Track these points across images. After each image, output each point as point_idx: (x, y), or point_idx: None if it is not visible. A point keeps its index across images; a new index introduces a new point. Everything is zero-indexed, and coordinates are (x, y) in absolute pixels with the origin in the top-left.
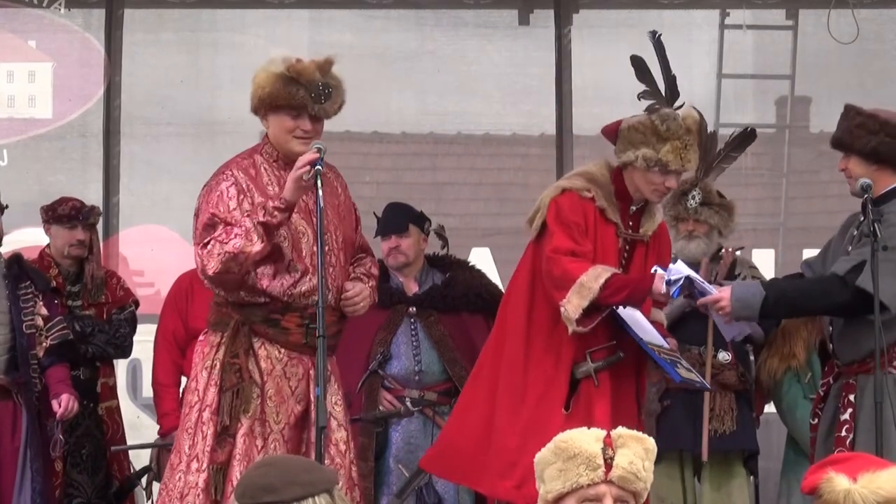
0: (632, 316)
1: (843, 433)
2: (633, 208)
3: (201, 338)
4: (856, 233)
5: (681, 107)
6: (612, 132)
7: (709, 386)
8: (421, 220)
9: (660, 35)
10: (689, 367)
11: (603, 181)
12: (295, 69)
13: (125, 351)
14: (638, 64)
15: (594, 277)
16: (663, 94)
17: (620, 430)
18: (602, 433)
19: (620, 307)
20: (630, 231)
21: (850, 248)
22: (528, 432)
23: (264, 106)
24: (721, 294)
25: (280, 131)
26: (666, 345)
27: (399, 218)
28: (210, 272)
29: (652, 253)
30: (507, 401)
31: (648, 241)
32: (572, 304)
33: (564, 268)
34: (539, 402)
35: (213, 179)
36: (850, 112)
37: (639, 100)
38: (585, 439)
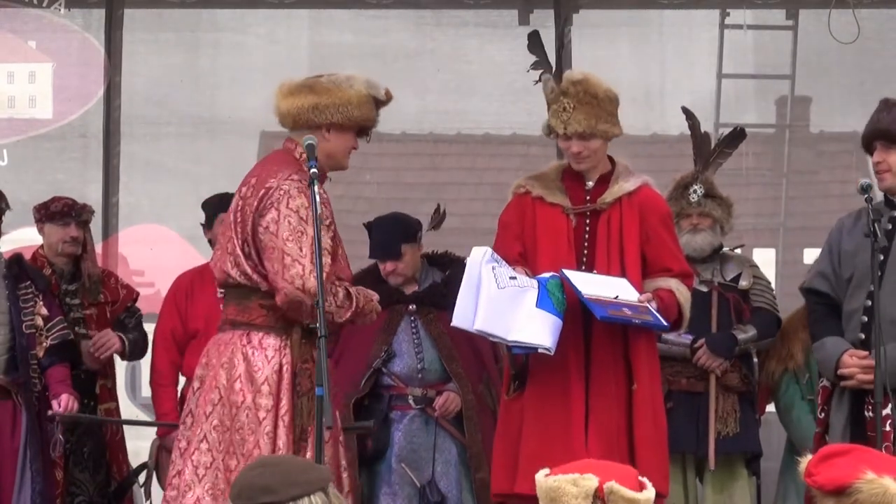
0: (584, 278)
1: (888, 428)
2: (590, 183)
3: (244, 340)
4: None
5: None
6: None
7: (664, 324)
8: (413, 235)
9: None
10: (652, 312)
11: (547, 171)
12: (389, 97)
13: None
14: (532, 37)
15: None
16: (552, 64)
17: (612, 486)
18: (593, 486)
19: (570, 273)
20: (588, 204)
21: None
22: None
23: (345, 122)
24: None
25: (344, 148)
26: (629, 296)
27: (391, 243)
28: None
29: (629, 218)
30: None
31: (608, 207)
32: None
33: None
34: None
35: (284, 182)
36: (893, 104)
37: (527, 72)
38: (574, 494)
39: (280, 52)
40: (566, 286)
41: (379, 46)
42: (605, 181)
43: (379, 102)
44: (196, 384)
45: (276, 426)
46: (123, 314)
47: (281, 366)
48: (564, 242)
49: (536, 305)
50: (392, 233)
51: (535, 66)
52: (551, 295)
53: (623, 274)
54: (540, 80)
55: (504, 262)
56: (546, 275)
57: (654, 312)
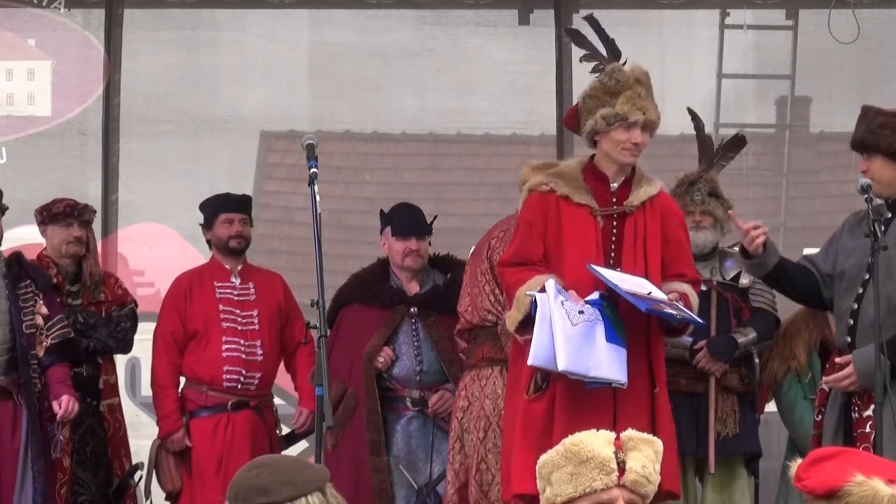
0: (617, 276)
1: (868, 429)
2: (615, 185)
3: (502, 374)
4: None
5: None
6: (572, 115)
7: (700, 321)
8: (430, 226)
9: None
10: (683, 309)
11: (568, 170)
12: None
13: (126, 345)
14: (574, 34)
15: (527, 291)
16: (605, 55)
17: (630, 433)
18: (611, 436)
19: (599, 268)
20: (615, 206)
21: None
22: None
23: None
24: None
25: None
26: (658, 294)
27: (422, 222)
28: None
29: (652, 222)
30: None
31: (635, 210)
32: (511, 318)
33: (507, 281)
34: (515, 397)
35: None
36: (871, 112)
37: (580, 62)
38: (597, 443)
39: (280, 51)
40: (617, 298)
41: (379, 46)
42: (627, 183)
43: None
44: (459, 415)
45: None
46: (115, 309)
47: None
48: (592, 244)
49: (607, 340)
50: (420, 214)
51: (584, 58)
52: (614, 324)
53: (646, 277)
54: (595, 71)
55: (567, 294)
56: (594, 296)
57: (688, 311)
